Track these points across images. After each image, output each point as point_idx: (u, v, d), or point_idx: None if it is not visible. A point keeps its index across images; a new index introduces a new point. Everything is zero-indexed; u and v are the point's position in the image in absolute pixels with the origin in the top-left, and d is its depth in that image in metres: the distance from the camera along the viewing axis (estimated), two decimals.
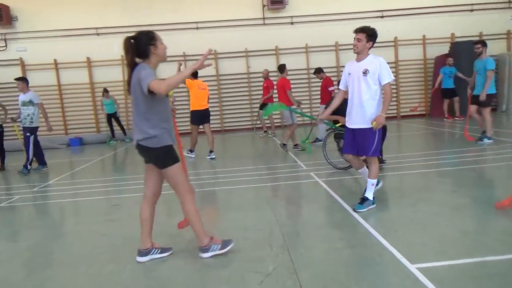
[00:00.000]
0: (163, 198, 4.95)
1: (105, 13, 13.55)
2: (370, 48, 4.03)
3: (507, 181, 5.05)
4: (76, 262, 3.28)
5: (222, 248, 3.20)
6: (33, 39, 13.43)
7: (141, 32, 3.03)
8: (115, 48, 13.64)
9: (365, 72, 3.97)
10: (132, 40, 2.98)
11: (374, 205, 4.15)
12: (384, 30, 13.70)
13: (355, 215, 3.97)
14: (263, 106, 11.14)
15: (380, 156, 6.16)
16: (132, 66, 2.98)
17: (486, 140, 7.58)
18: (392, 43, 13.98)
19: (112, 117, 12.90)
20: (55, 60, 13.60)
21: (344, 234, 3.53)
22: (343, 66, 13.50)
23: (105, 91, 12.69)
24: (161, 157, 3.01)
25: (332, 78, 13.63)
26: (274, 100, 10.78)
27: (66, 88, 13.85)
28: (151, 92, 2.83)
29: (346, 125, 4.23)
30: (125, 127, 13.41)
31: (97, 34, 13.62)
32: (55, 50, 13.53)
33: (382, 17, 13.82)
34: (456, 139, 8.65)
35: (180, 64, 8.28)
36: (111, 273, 3.05)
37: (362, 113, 3.99)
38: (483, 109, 7.68)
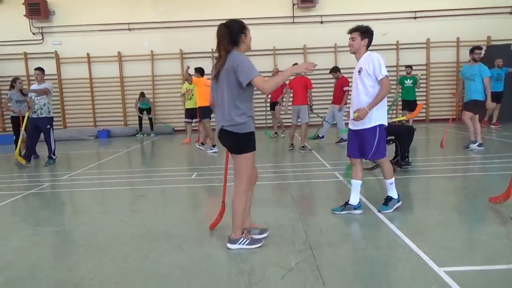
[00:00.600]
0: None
1: (137, 9, 13.84)
2: (368, 46, 3.87)
3: None
4: (102, 249, 3.35)
5: (249, 244, 3.21)
6: (68, 33, 13.88)
7: (233, 20, 3.10)
8: (146, 44, 13.96)
9: (359, 71, 3.82)
10: (225, 27, 3.05)
11: (400, 203, 4.05)
12: (417, 31, 13.45)
13: (380, 216, 3.89)
14: (273, 105, 11.05)
15: (407, 159, 6.04)
16: (226, 52, 3.02)
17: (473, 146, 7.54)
18: (425, 45, 13.64)
19: (145, 110, 13.23)
20: (88, 54, 13.99)
21: (369, 234, 3.46)
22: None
23: (142, 95, 12.99)
24: (242, 142, 3.07)
25: None
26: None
27: (97, 81, 14.24)
28: (248, 84, 2.93)
29: (349, 126, 4.09)
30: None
31: (129, 29, 13.91)
32: (88, 44, 13.92)
33: (415, 18, 13.50)
34: (488, 145, 8.35)
35: (188, 67, 8.94)
36: (136, 260, 3.10)
37: None
38: (474, 116, 7.54)
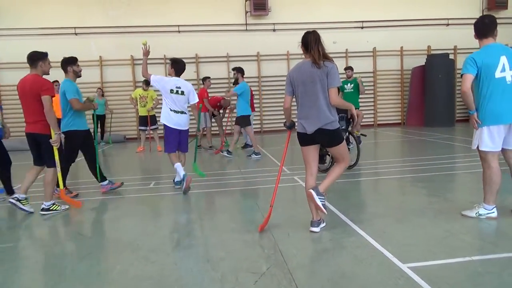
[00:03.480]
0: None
1: (84, 13, 13.31)
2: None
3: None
4: (61, 264, 3.16)
5: (323, 200, 3.54)
6: (8, 37, 13.00)
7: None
8: (94, 49, 13.41)
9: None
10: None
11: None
12: (364, 40, 14.10)
13: (343, 217, 4.02)
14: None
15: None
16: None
17: (254, 156, 8.34)
18: (371, 53, 14.33)
19: (99, 119, 12.45)
20: None
21: (334, 235, 3.55)
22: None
23: (99, 89, 12.51)
24: (337, 136, 3.55)
25: None
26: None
27: None
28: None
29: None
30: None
31: (75, 34, 13.32)
32: (31, 49, 12.98)
33: (362, 27, 14.15)
34: (432, 147, 8.92)
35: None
36: (100, 274, 2.96)
37: None
38: (246, 128, 8.65)
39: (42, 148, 4.65)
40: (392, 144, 10.21)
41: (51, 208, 4.66)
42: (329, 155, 6.55)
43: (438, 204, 4.39)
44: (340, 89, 10.18)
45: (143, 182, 6.76)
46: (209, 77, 10.27)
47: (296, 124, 3.75)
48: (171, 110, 5.50)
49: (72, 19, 13.21)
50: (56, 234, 4.03)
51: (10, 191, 5.52)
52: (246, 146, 9.89)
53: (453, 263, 2.83)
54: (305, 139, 3.62)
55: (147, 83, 10.27)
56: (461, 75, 3.65)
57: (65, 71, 5.35)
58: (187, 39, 13.57)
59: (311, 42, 3.45)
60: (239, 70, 8.47)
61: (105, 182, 5.64)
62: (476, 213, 3.78)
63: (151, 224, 4.29)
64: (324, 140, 3.58)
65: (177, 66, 5.64)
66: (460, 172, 6.18)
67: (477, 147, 3.72)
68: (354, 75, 9.49)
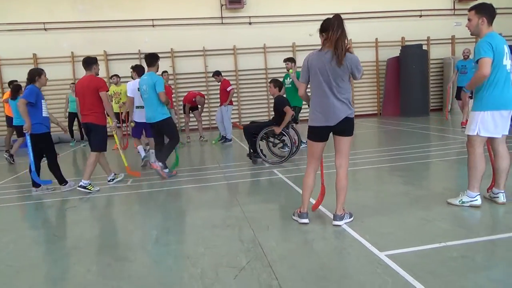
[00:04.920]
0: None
1: (54, 8, 12.86)
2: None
3: (457, 173, 5.39)
4: (35, 268, 3.07)
5: (350, 217, 3.59)
6: None
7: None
8: (65, 45, 13.03)
9: None
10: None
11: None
12: None
13: (321, 208, 4.04)
14: (194, 109, 10.62)
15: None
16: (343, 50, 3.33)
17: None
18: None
19: (75, 116, 11.82)
20: None
21: (313, 227, 3.57)
22: (300, 67, 13.85)
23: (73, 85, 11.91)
24: (353, 126, 3.51)
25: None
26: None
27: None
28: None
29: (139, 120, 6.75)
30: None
31: (45, 29, 12.89)
32: None
33: None
34: (408, 136, 9.10)
35: None
36: (76, 276, 2.88)
37: None
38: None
39: (92, 135, 5.61)
40: (369, 135, 10.36)
41: (87, 187, 5.48)
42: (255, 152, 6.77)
43: (414, 192, 4.48)
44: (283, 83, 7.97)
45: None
46: (166, 71, 10.20)
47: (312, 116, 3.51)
48: (136, 107, 6.74)
49: (41, 14, 12.76)
50: (29, 237, 3.90)
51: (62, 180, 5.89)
52: (225, 140, 9.84)
53: (429, 250, 2.90)
54: (320, 133, 3.49)
55: (118, 76, 10.14)
56: (477, 61, 3.52)
57: (152, 65, 5.96)
58: (162, 33, 13.34)
59: (333, 30, 3.34)
60: (135, 68, 7.66)
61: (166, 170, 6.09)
62: (459, 201, 3.85)
63: (129, 222, 4.22)
64: (342, 128, 3.43)
65: (138, 70, 7.01)
66: (435, 160, 6.32)
67: (476, 133, 3.63)
68: (298, 70, 7.24)
